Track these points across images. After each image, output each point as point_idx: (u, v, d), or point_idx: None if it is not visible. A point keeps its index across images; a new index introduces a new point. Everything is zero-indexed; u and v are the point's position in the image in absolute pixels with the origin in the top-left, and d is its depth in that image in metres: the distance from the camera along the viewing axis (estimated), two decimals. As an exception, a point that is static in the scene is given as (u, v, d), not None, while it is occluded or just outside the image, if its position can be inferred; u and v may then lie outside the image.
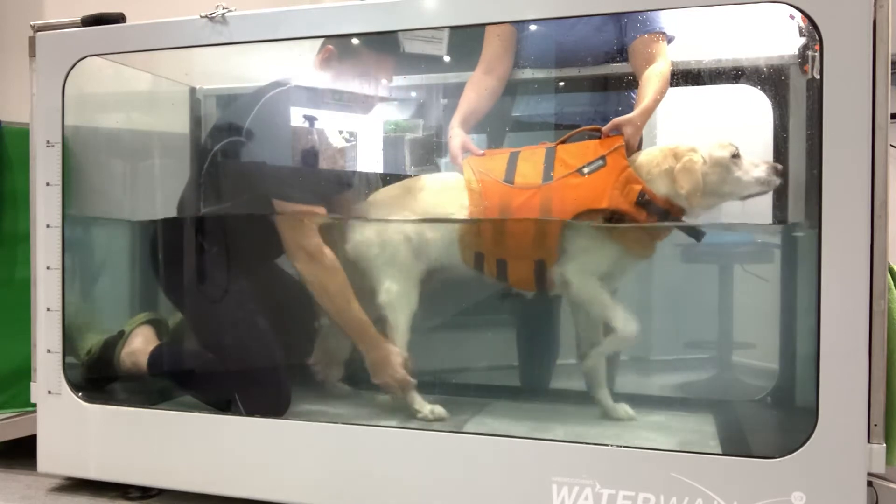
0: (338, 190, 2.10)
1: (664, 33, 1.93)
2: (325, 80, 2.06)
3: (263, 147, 2.01)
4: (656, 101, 1.86)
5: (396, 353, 1.98)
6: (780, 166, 1.81)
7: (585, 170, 1.84)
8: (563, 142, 1.93)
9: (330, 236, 2.03)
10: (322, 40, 2.02)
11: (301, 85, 2.07)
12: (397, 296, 2.00)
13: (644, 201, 1.81)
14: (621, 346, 1.95)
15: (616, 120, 1.86)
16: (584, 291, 1.91)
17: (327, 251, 1.97)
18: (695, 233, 1.91)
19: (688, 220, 1.87)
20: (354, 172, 2.11)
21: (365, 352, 2.00)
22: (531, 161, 1.91)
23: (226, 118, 2.18)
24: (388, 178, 2.10)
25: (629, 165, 1.83)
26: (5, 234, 2.20)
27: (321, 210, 2.00)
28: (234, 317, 2.03)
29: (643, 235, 1.90)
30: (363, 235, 2.05)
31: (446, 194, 1.98)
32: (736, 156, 1.81)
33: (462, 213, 1.94)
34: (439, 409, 1.96)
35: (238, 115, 2.05)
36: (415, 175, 2.10)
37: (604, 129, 1.88)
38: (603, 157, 1.84)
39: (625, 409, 1.98)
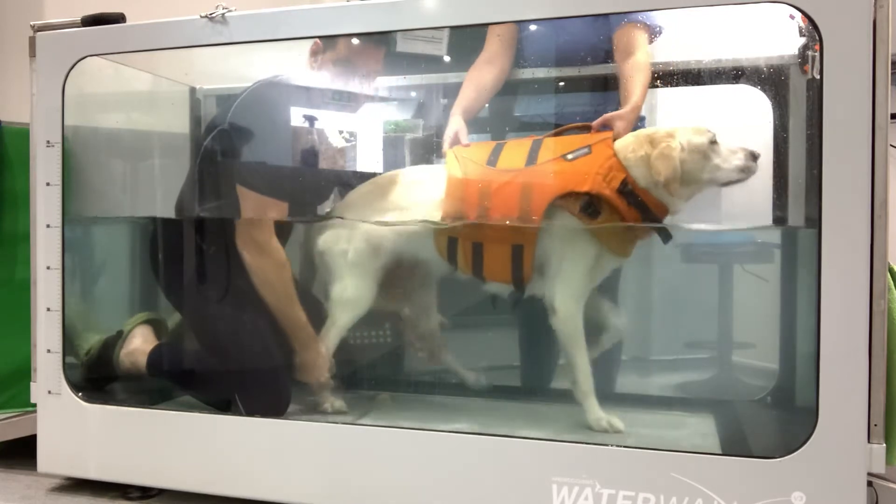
0: (308, 188, 2.10)
1: (645, 24, 1.91)
2: (312, 75, 2.06)
3: (243, 137, 2.01)
4: (644, 96, 1.86)
5: (325, 357, 2.00)
6: (757, 152, 1.78)
7: (570, 156, 1.83)
8: (552, 136, 1.93)
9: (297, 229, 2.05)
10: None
11: (288, 78, 2.07)
12: (352, 295, 2.02)
13: (626, 190, 1.78)
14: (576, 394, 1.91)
15: (606, 116, 1.86)
16: (568, 325, 1.89)
17: (277, 246, 1.99)
18: (663, 234, 1.87)
19: (673, 216, 1.85)
20: (330, 172, 2.11)
21: (298, 349, 2.01)
22: (516, 150, 1.90)
23: (216, 115, 2.19)
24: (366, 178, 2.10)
25: (615, 155, 1.82)
26: (5, 234, 2.20)
27: (283, 205, 1.99)
28: (233, 316, 2.03)
29: (623, 231, 1.86)
30: (332, 230, 2.05)
31: (422, 186, 1.98)
32: (714, 142, 1.78)
33: (438, 203, 1.92)
34: (339, 403, 2.02)
35: (226, 110, 2.06)
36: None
37: (594, 124, 1.88)
38: (589, 146, 1.83)
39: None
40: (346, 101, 2.10)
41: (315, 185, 2.12)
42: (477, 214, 1.88)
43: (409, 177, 2.04)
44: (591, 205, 1.81)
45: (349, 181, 2.11)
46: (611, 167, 1.80)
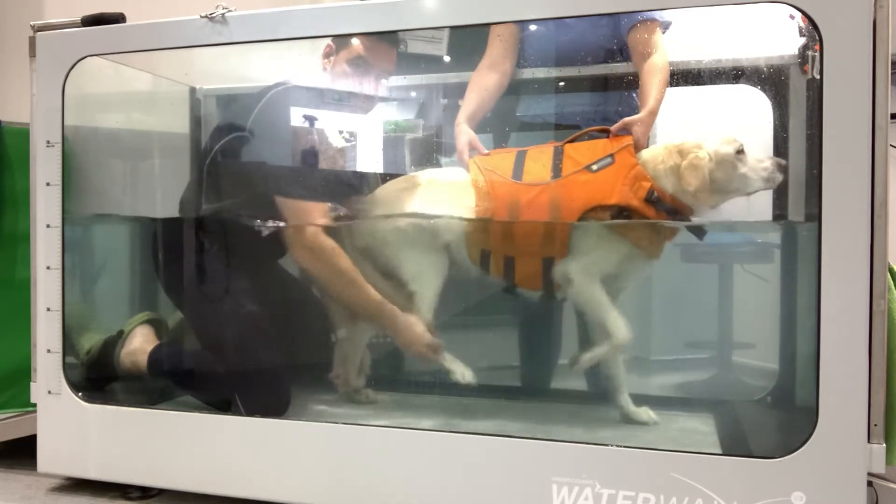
0: (340, 188, 2.09)
1: (657, 21, 1.92)
2: (328, 77, 2.06)
3: (266, 144, 2.01)
4: (661, 99, 1.86)
5: (417, 320, 1.98)
6: (783, 162, 1.80)
7: (594, 167, 1.84)
8: (571, 141, 1.92)
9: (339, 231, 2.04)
10: (325, 42, 2.03)
11: (304, 83, 2.08)
12: (426, 269, 2.00)
13: (653, 199, 1.80)
14: (615, 351, 1.92)
15: (625, 120, 1.87)
16: (584, 291, 1.91)
17: (328, 241, 1.96)
18: (697, 231, 1.90)
19: (695, 220, 1.86)
20: (357, 172, 2.11)
21: (388, 328, 2.01)
22: (539, 160, 1.90)
23: (228, 116, 2.18)
24: (389, 179, 2.10)
25: (638, 163, 1.83)
26: (5, 234, 2.20)
27: (323, 206, 1.99)
28: (234, 317, 2.03)
29: (652, 234, 1.89)
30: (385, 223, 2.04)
31: (452, 191, 1.97)
32: (741, 152, 1.80)
33: (468, 212, 1.92)
34: (469, 374, 1.98)
35: (241, 113, 2.06)
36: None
37: (612, 128, 1.88)
38: (611, 155, 1.84)
39: (647, 411, 1.95)
40: (360, 101, 2.10)
41: (344, 184, 2.11)
42: (507, 230, 1.90)
43: (438, 179, 2.03)
44: (620, 215, 1.82)
45: (374, 180, 2.10)
46: (635, 176, 1.81)
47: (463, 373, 1.97)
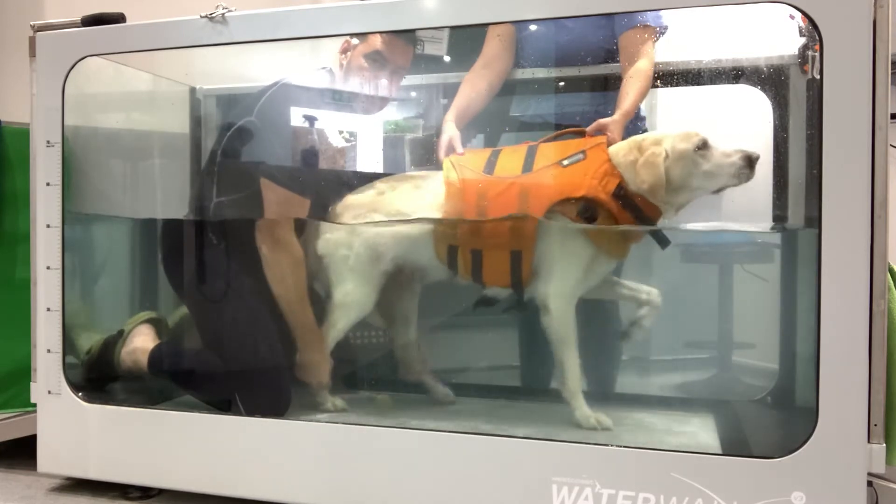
0: (330, 188, 2.10)
1: (650, 26, 1.92)
2: (342, 73, 2.08)
3: (270, 130, 2.01)
4: (637, 103, 1.88)
5: (328, 360, 2.02)
6: (755, 154, 1.71)
7: (565, 162, 1.84)
8: (546, 141, 1.93)
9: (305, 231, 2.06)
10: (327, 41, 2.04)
11: (313, 76, 2.09)
12: (353, 299, 2.01)
13: (621, 194, 1.78)
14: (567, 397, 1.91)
15: (600, 121, 1.87)
16: (557, 327, 1.88)
17: (295, 242, 2.00)
18: (660, 238, 1.88)
19: (669, 220, 1.85)
20: (353, 173, 2.11)
21: (302, 349, 2.02)
22: (512, 157, 1.91)
23: (235, 109, 2.19)
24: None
25: (609, 160, 1.82)
26: (5, 234, 2.20)
27: (306, 202, 2.00)
28: (236, 316, 2.03)
29: (618, 234, 1.88)
30: (333, 235, 2.05)
31: (421, 192, 1.98)
32: (702, 147, 1.73)
33: (437, 209, 1.92)
34: (340, 402, 2.02)
35: (248, 104, 2.06)
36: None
37: (588, 129, 1.88)
38: (583, 151, 1.84)
39: (598, 417, 1.89)
40: (373, 99, 2.10)
41: (336, 185, 2.11)
42: (476, 224, 1.88)
43: (407, 182, 2.03)
44: (587, 209, 1.81)
45: (368, 181, 2.10)
46: (605, 172, 1.80)
47: (333, 403, 2.01)
